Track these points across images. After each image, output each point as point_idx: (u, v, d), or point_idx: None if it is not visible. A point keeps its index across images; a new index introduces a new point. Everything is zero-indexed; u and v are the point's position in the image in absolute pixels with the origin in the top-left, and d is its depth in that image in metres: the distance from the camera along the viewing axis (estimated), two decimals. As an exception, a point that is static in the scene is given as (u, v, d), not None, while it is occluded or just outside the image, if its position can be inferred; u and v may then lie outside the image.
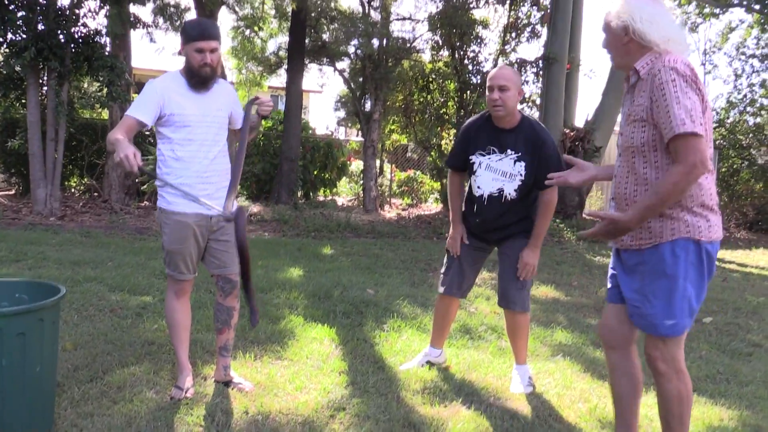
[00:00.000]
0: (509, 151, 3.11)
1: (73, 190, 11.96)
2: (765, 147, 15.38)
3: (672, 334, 2.23)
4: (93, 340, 3.63)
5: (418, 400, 3.05)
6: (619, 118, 2.46)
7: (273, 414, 2.78)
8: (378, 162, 15.69)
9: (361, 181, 15.25)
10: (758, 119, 15.85)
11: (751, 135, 15.55)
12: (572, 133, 12.54)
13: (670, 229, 2.20)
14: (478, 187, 3.17)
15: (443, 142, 14.28)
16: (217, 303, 3.07)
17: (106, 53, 9.31)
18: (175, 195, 2.81)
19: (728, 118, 16.24)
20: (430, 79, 14.08)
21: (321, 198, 16.23)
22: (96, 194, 11.27)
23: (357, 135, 21.05)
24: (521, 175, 3.09)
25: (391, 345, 4.02)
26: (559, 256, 8.97)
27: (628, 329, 2.42)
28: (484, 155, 3.16)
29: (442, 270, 3.41)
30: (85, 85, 11.17)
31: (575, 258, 8.87)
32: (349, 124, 19.88)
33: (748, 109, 15.98)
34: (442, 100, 14.13)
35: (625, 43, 2.28)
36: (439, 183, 13.73)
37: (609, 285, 2.51)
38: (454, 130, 13.58)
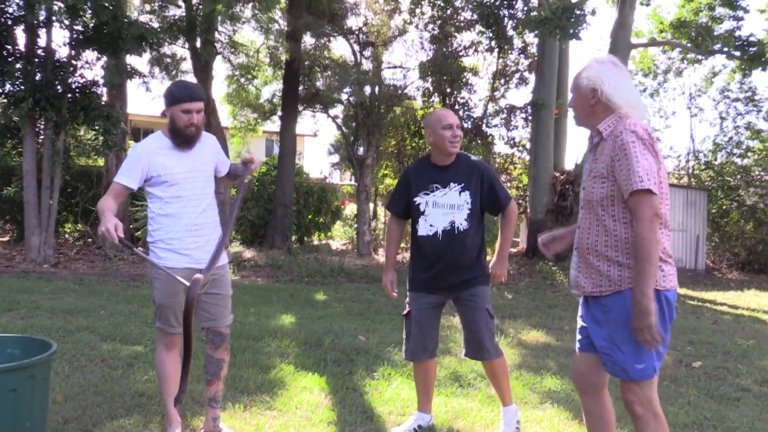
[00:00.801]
0: (452, 184, 3.25)
1: (67, 236, 12.01)
2: (753, 188, 15.60)
3: (643, 377, 2.33)
4: (83, 392, 3.65)
5: (405, 451, 3.08)
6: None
7: (261, 467, 2.80)
8: (371, 206, 15.86)
9: (355, 225, 15.37)
10: (745, 160, 16.13)
11: (738, 176, 15.78)
12: (562, 177, 12.75)
13: (627, 278, 2.32)
14: (431, 225, 3.25)
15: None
16: (207, 355, 3.12)
17: (103, 103, 9.50)
18: (165, 250, 2.88)
19: (716, 159, 16.53)
20: (422, 125, 14.36)
21: (315, 242, 16.31)
22: (90, 240, 11.32)
23: (351, 179, 21.27)
24: (468, 203, 3.23)
25: (380, 394, 4.05)
26: (551, 299, 9.02)
27: (599, 376, 2.52)
28: (428, 194, 3.28)
29: (404, 336, 3.44)
30: (81, 133, 11.34)
31: (567, 301, 8.91)
32: (343, 168, 20.11)
33: (735, 150, 16.28)
34: (434, 144, 14.39)
35: (592, 105, 2.45)
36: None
37: (579, 336, 2.61)
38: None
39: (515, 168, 14.86)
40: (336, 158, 15.04)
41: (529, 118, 13.29)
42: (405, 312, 3.43)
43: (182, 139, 2.87)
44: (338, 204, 16.40)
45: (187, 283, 2.68)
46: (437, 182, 3.27)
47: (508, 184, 14.81)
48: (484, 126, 13.74)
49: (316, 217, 15.58)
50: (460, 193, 3.24)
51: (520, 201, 14.53)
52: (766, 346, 6.35)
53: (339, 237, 17.44)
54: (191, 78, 11.74)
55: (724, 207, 15.90)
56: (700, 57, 15.95)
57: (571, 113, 2.65)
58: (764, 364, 5.54)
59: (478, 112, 14.01)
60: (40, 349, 2.38)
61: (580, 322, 2.59)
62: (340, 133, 13.85)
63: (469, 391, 4.23)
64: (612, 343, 2.36)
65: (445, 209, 3.23)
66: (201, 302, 2.99)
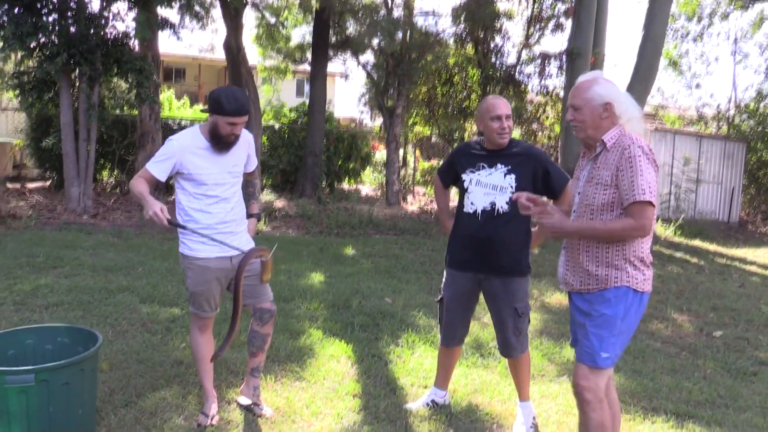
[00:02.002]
0: (499, 165, 3.25)
1: (104, 184, 12.37)
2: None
3: (606, 365, 2.56)
4: (126, 360, 3.93)
5: (424, 429, 3.28)
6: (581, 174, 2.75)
7: (290, 442, 3.04)
8: (402, 152, 15.87)
9: (384, 172, 15.44)
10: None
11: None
12: (595, 128, 12.54)
13: (614, 278, 2.56)
14: (472, 203, 3.28)
15: (466, 134, 14.39)
16: (252, 330, 3.27)
17: (135, 55, 9.58)
18: (196, 242, 3.04)
19: (758, 109, 15.99)
20: (453, 72, 14.14)
21: (345, 186, 16.48)
22: (126, 190, 11.66)
23: (379, 120, 21.14)
24: (512, 187, 3.21)
25: (404, 363, 4.26)
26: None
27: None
28: (474, 171, 3.30)
29: (438, 321, 3.55)
30: (113, 86, 11.50)
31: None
32: (374, 115, 20.01)
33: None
34: (465, 93, 14.21)
35: (603, 118, 2.60)
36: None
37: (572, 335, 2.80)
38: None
39: (547, 118, 14.63)
40: (366, 108, 14.94)
41: (564, 66, 12.98)
42: (438, 298, 3.52)
43: (222, 146, 2.96)
44: (368, 150, 16.44)
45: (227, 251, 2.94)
46: (484, 162, 3.30)
47: (540, 133, 14.63)
48: (516, 74, 13.48)
49: (346, 163, 15.69)
50: (505, 176, 3.23)
51: (552, 151, 14.38)
52: (791, 314, 6.38)
53: (369, 183, 17.56)
54: (221, 26, 11.68)
55: (763, 158, 15.51)
56: (748, 2, 15.22)
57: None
58: (786, 335, 5.59)
59: (511, 60, 13.74)
60: (87, 339, 2.59)
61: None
62: (370, 81, 13.74)
63: (490, 362, 4.40)
64: (585, 330, 2.58)
65: (487, 189, 3.25)
66: (243, 286, 3.15)
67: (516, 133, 15.68)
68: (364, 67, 13.79)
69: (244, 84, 11.77)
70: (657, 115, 17.69)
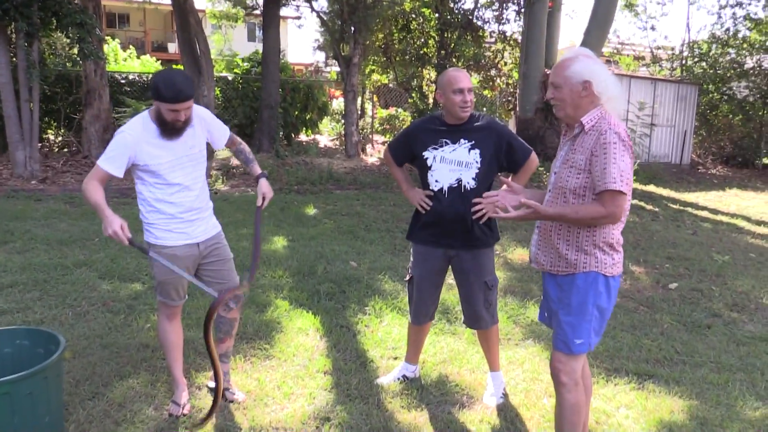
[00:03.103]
0: (462, 141, 3.21)
1: (51, 144, 11.86)
2: (744, 81, 15.45)
3: (581, 351, 2.59)
4: (90, 345, 3.84)
5: (396, 405, 3.33)
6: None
7: (264, 429, 3.04)
8: (359, 101, 15.63)
9: (343, 122, 15.25)
10: (740, 53, 15.78)
11: (732, 70, 15.56)
12: (553, 75, 12.51)
13: (583, 263, 2.57)
14: (436, 181, 3.24)
15: (424, 83, 14.22)
16: (219, 316, 3.22)
17: (75, 8, 9.04)
18: (163, 230, 2.93)
19: (710, 50, 16.20)
20: (411, 18, 13.84)
21: (303, 138, 16.22)
22: (75, 149, 11.21)
23: (335, 64, 20.74)
24: (477, 162, 3.19)
25: (372, 333, 4.28)
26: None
27: None
28: (437, 148, 3.24)
29: (408, 299, 3.54)
30: (54, 39, 10.88)
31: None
32: (328, 62, 19.53)
33: (732, 42, 15.90)
34: (423, 39, 13.96)
35: (582, 97, 2.53)
36: (420, 125, 13.73)
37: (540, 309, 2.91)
38: (435, 72, 13.50)
39: (506, 64, 14.53)
40: (322, 56, 14.56)
41: (521, 11, 12.82)
42: (407, 278, 3.50)
43: (171, 131, 2.82)
44: (325, 100, 16.15)
45: (185, 275, 2.82)
46: (447, 137, 3.24)
47: (498, 80, 14.55)
48: (474, 19, 13.27)
49: (303, 113, 15.40)
50: (469, 151, 3.19)
51: (510, 98, 14.36)
52: (740, 262, 6.64)
53: (327, 133, 17.32)
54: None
55: (714, 100, 15.82)
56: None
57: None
58: (737, 284, 5.82)
59: (468, 4, 13.49)
60: (48, 341, 2.50)
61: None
62: (324, 28, 13.34)
63: (457, 328, 4.46)
64: (558, 319, 2.62)
65: (452, 165, 3.21)
66: (205, 273, 3.07)
67: (475, 80, 15.55)
68: (318, 14, 13.36)
69: (193, 34, 11.27)
70: (613, 59, 17.77)
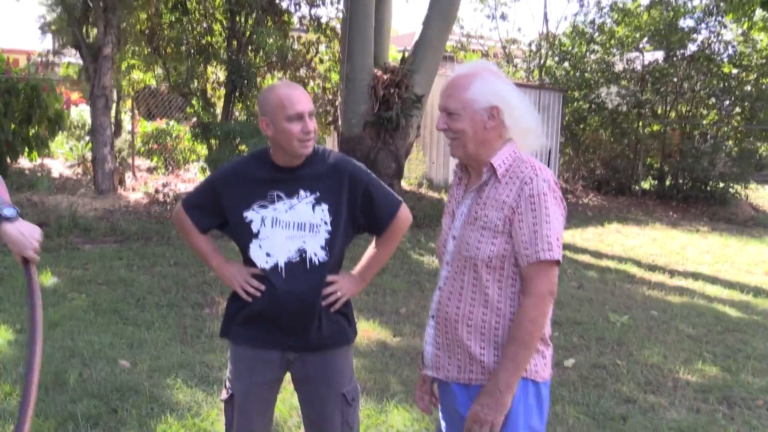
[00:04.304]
0: (302, 193, 3.03)
1: None
2: (615, 86, 17.07)
3: None
4: None
5: None
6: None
7: None
8: (113, 112, 14.89)
9: (87, 138, 14.38)
10: (607, 51, 17.41)
11: (599, 72, 17.13)
12: (387, 76, 12.87)
13: None
14: (268, 255, 3.02)
15: (209, 85, 13.94)
16: None
17: None
18: None
19: (573, 48, 17.73)
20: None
21: (26, 164, 15.09)
22: None
23: (76, 55, 19.59)
24: (326, 223, 3.02)
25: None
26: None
27: None
28: (265, 206, 3.03)
29: (224, 426, 3.25)
30: None
31: (398, 260, 9.22)
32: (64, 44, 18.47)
33: (598, 37, 17.52)
34: (205, 24, 13.73)
35: (487, 129, 2.52)
36: (204, 145, 13.40)
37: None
38: (225, 70, 13.30)
39: (321, 61, 14.74)
40: (52, 41, 13.71)
41: (341, -9, 13.13)
42: (224, 396, 3.19)
43: None
44: (59, 107, 15.19)
45: None
46: (279, 189, 3.02)
47: (312, 82, 14.68)
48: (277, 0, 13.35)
49: (24, 127, 14.35)
50: (313, 207, 3.01)
51: (329, 108, 14.52)
52: (642, 323, 7.16)
53: (64, 156, 16.28)
54: None
55: (581, 110, 17.30)
56: None
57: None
58: (645, 355, 6.23)
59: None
60: None
61: (440, 414, 2.79)
62: (61, 9, 12.56)
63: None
64: None
65: (290, 231, 3.00)
66: None
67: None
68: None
69: None
70: (457, 56, 18.83)
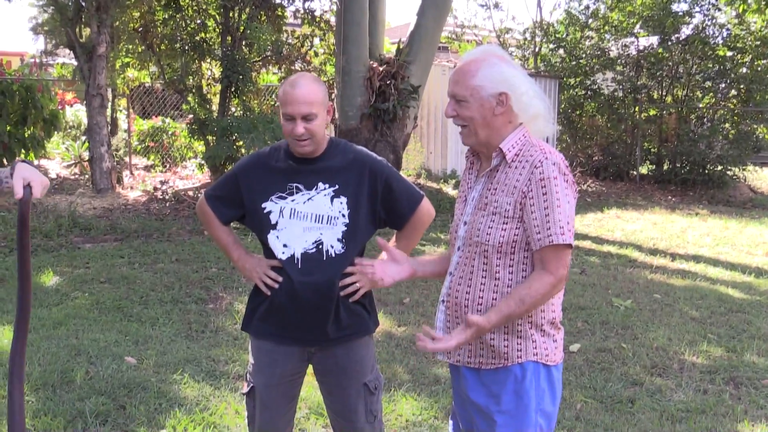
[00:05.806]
0: (321, 185, 3.04)
1: None
2: (610, 72, 17.06)
3: None
4: None
5: None
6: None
7: None
8: (110, 110, 14.85)
9: (83, 138, 14.34)
10: (602, 37, 17.41)
11: (594, 58, 17.13)
12: (382, 68, 12.85)
13: (517, 350, 2.51)
14: (285, 246, 3.03)
15: (204, 81, 13.88)
16: None
17: None
18: None
19: (567, 35, 17.73)
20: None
21: (22, 167, 15.06)
22: None
23: (70, 55, 19.54)
24: (344, 216, 3.02)
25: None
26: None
27: None
28: (284, 197, 3.04)
29: (246, 420, 3.28)
30: None
31: (401, 252, 9.21)
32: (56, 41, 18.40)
33: (592, 23, 17.52)
34: (199, 20, 13.66)
35: (496, 115, 2.50)
36: (201, 141, 13.35)
37: (451, 423, 2.84)
38: (220, 66, 13.24)
39: (316, 55, 14.70)
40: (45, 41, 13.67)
41: (334, -17, 13.08)
42: (245, 390, 3.22)
43: None
44: (54, 108, 15.15)
45: None
46: (298, 181, 3.03)
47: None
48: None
49: (19, 128, 14.32)
50: (332, 200, 3.02)
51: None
52: (646, 306, 7.17)
53: (60, 156, 16.25)
54: None
55: (577, 97, 17.31)
56: None
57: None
58: (650, 338, 6.24)
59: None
60: None
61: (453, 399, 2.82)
62: (53, 9, 12.51)
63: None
64: (489, 424, 2.53)
65: (308, 222, 3.01)
66: None
67: (276, 78, 15.52)
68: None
69: None
70: (451, 47, 18.81)
